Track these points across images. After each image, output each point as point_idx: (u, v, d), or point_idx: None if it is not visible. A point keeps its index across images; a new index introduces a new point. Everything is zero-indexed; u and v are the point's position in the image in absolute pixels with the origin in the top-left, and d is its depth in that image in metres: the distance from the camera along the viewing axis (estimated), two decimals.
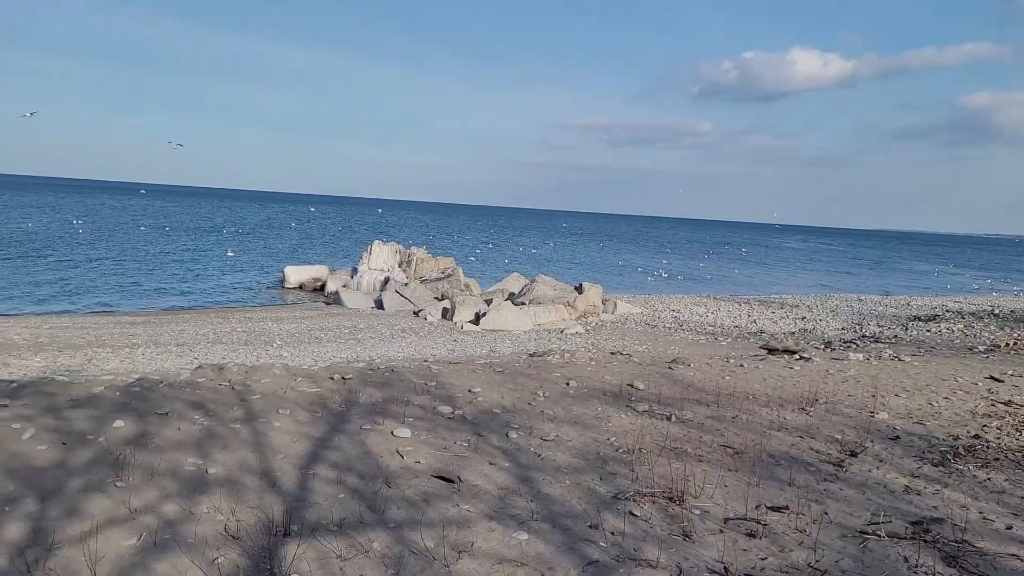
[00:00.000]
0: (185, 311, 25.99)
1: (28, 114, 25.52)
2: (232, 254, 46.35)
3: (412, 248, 33.32)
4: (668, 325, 24.78)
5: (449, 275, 30.63)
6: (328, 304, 28.74)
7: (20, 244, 42.93)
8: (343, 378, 9.97)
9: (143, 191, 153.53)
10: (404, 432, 7.64)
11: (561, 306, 25.88)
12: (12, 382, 9.68)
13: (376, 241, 32.55)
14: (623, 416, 8.87)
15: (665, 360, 13.42)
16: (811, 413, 9.37)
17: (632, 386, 10.48)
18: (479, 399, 9.32)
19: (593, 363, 12.31)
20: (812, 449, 7.90)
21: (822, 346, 18.55)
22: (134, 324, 20.95)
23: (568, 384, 10.49)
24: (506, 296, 28.12)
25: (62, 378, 9.87)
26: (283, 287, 33.38)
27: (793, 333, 23.21)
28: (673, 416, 8.91)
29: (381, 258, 32.04)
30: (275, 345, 17.73)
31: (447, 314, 25.25)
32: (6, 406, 8.15)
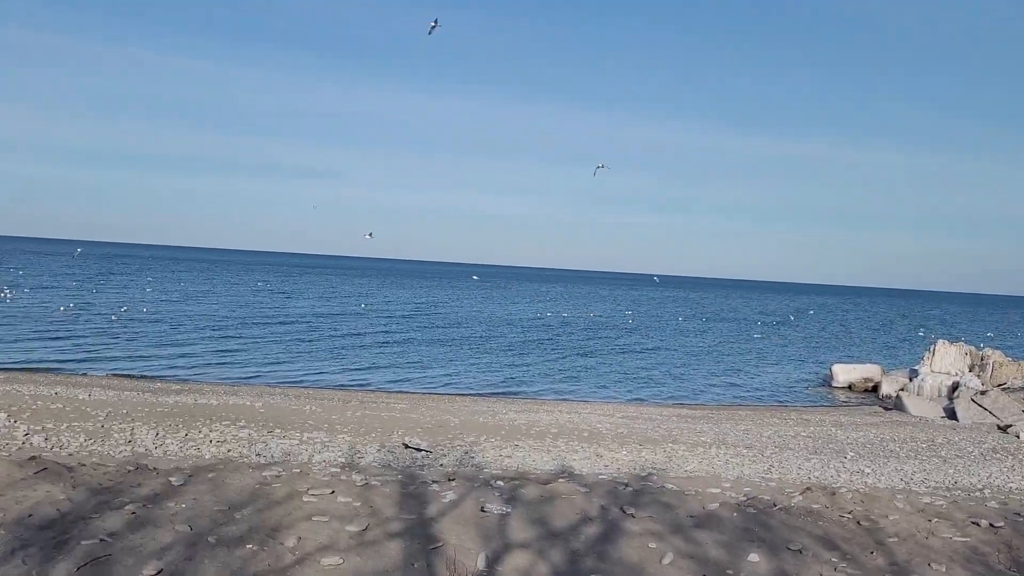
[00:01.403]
0: (738, 407, 25.94)
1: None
2: (758, 336, 46.92)
3: (986, 350, 28.80)
4: None
5: None
6: (887, 409, 26.11)
7: (586, 332, 48.45)
8: (992, 525, 8.18)
9: (656, 279, 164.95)
10: None
11: None
12: (626, 485, 10.01)
13: (940, 341, 28.89)
14: None
15: None
16: None
17: None
18: None
19: None
20: None
21: None
22: (695, 419, 21.31)
23: None
24: None
25: (671, 486, 9.90)
26: (830, 386, 31.70)
27: None
28: None
29: (947, 360, 28.28)
30: (848, 457, 16.24)
31: None
32: (632, 516, 8.26)
